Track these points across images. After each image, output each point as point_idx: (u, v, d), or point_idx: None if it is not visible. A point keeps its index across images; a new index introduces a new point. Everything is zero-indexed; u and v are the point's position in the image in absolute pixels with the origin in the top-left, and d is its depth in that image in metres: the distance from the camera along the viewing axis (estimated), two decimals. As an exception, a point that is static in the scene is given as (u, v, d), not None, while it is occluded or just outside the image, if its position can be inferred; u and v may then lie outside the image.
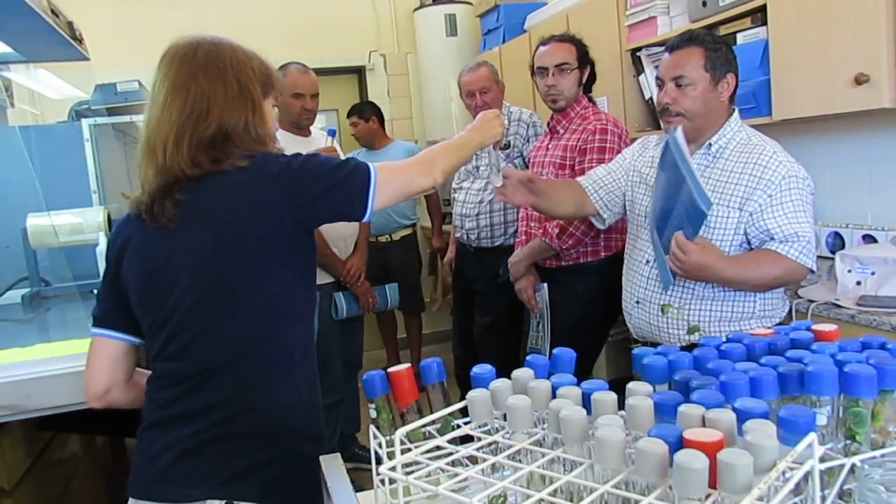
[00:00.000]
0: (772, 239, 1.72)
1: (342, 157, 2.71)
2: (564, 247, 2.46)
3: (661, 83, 1.85)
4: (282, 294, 1.23)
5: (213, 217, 1.19)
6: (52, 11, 1.96)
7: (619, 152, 2.38)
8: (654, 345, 1.03)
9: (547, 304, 2.56)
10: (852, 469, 0.73)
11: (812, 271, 1.74)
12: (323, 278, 2.89)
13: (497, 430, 0.84)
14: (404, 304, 4.25)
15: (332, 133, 2.91)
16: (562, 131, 2.57)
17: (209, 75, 1.22)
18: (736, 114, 1.86)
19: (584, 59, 2.54)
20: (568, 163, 2.47)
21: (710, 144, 1.83)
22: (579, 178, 2.14)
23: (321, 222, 1.30)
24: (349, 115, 4.19)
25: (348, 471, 1.03)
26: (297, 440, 1.24)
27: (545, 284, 2.57)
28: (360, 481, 1.07)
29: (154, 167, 1.21)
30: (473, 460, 0.82)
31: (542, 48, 2.55)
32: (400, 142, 4.29)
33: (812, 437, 0.65)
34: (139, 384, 1.31)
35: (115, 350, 1.29)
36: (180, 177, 1.19)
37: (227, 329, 1.19)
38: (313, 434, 1.29)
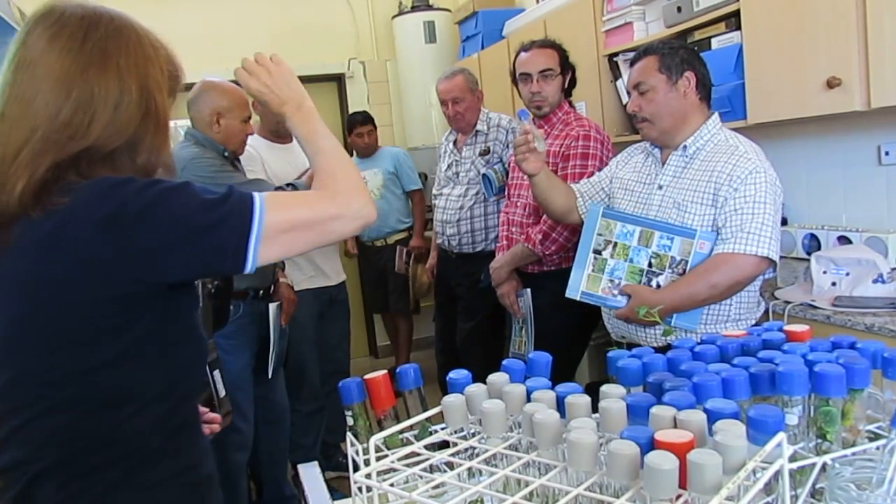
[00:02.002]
0: (720, 234, 1.75)
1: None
2: (547, 252, 2.47)
3: (630, 94, 1.93)
4: (127, 378, 0.91)
5: (14, 286, 0.89)
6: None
7: (601, 159, 2.41)
8: (632, 346, 1.03)
9: (530, 309, 2.56)
10: (824, 467, 0.74)
11: (772, 261, 1.73)
12: (301, 285, 2.86)
13: (473, 435, 0.84)
14: (395, 305, 4.25)
15: None
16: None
17: (105, 72, 0.90)
18: (715, 117, 1.89)
19: (566, 64, 2.56)
20: (550, 168, 2.48)
21: (686, 146, 1.86)
22: (572, 185, 2.19)
23: (179, 280, 0.93)
24: (364, 123, 4.07)
25: (333, 480, 1.03)
26: None
27: (528, 290, 2.57)
28: (344, 490, 1.06)
29: None
30: (451, 465, 0.82)
31: (523, 54, 2.55)
32: (387, 148, 4.29)
33: (781, 436, 0.65)
34: None
35: None
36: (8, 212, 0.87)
37: (43, 428, 0.90)
38: None
